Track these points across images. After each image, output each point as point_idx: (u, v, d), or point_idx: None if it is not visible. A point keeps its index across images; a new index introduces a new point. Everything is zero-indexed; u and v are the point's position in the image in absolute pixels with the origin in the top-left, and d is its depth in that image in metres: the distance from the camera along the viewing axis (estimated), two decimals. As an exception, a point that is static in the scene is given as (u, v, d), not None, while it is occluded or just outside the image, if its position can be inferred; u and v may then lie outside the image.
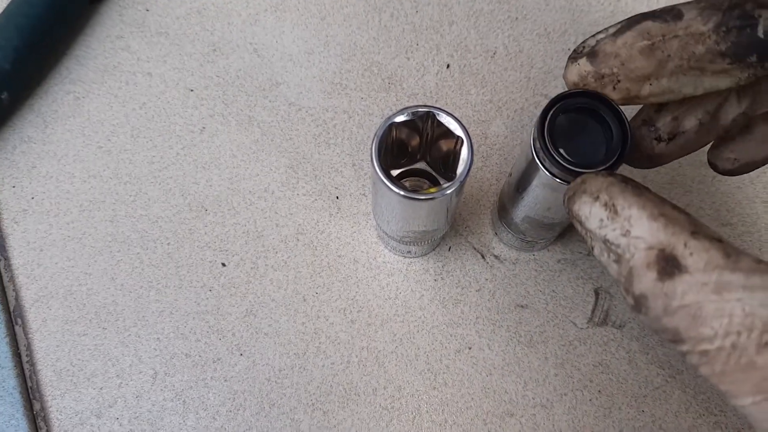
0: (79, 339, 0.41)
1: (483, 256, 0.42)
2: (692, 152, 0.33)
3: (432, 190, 0.32)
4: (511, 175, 0.36)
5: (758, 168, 0.33)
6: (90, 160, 0.44)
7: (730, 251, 0.23)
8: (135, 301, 0.42)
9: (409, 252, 0.41)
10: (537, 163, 0.31)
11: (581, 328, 0.41)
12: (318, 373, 0.40)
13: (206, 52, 0.46)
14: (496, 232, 0.42)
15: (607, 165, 0.29)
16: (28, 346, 0.41)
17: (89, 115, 0.45)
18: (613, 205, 0.26)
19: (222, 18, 0.46)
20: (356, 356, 0.41)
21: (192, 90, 0.45)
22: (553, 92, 0.44)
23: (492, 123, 0.44)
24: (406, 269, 0.42)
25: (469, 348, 0.41)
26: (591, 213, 0.26)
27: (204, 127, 0.44)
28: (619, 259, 0.25)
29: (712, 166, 0.34)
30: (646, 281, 0.23)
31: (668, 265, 0.23)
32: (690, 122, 0.31)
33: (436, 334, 0.41)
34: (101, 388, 0.40)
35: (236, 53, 0.46)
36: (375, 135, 0.32)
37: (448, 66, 0.45)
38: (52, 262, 0.42)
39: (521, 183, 0.34)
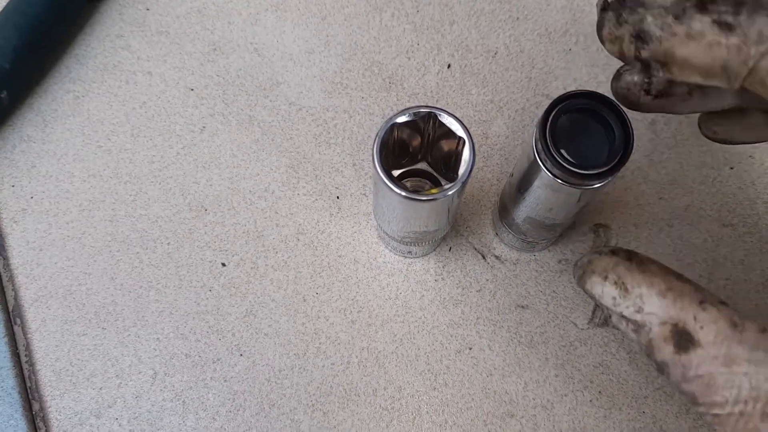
0: (79, 339, 0.41)
1: (484, 257, 0.42)
2: (674, 114, 0.33)
3: (433, 191, 0.32)
4: (512, 175, 0.36)
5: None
6: (90, 160, 0.44)
7: (736, 320, 0.26)
8: (134, 301, 0.42)
9: (409, 252, 0.41)
10: (539, 164, 0.31)
11: (582, 329, 0.41)
12: (318, 374, 0.40)
13: (207, 51, 0.46)
14: (497, 232, 0.42)
15: (610, 166, 0.29)
16: (27, 346, 0.41)
17: (89, 114, 0.44)
18: (623, 283, 0.28)
19: (222, 17, 0.46)
20: (356, 357, 0.41)
21: (192, 89, 0.45)
22: (555, 92, 0.44)
23: (493, 123, 0.44)
24: (407, 269, 0.42)
25: (470, 348, 0.41)
26: (604, 292, 0.29)
27: (204, 127, 0.44)
28: (638, 331, 0.28)
29: (698, 124, 0.35)
30: (666, 353, 0.27)
31: (682, 339, 0.26)
32: (681, 89, 0.31)
33: (437, 334, 0.41)
34: (101, 389, 0.40)
35: (237, 53, 0.46)
36: (377, 136, 0.32)
37: (449, 66, 0.45)
38: (51, 261, 0.42)
39: (523, 183, 0.34)
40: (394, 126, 0.32)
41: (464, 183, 0.31)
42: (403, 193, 0.31)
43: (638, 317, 0.28)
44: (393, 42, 0.46)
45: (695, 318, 0.26)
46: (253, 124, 0.44)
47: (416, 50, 0.45)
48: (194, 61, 0.45)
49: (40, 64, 0.45)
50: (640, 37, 0.27)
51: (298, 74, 0.45)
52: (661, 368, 0.27)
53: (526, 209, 0.36)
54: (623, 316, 0.28)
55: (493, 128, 0.44)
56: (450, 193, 0.31)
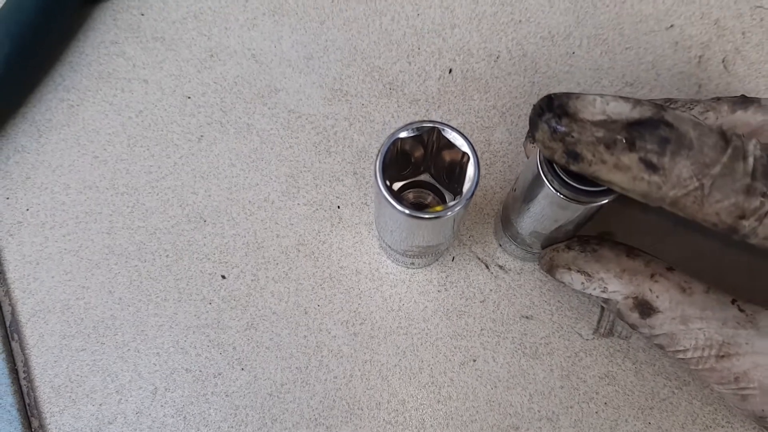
0: (77, 354, 0.40)
1: (487, 266, 0.41)
2: None
3: (438, 208, 0.31)
4: (515, 190, 0.36)
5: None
6: (86, 171, 0.43)
7: (684, 285, 0.34)
8: (133, 314, 0.41)
9: (412, 263, 0.40)
10: (545, 182, 0.30)
11: (587, 339, 0.40)
12: (320, 388, 0.40)
13: (203, 57, 0.45)
14: (500, 243, 0.41)
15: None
16: (26, 362, 0.40)
17: (84, 123, 0.44)
18: (585, 272, 0.35)
19: (219, 22, 0.45)
20: (359, 370, 0.40)
21: (189, 97, 0.44)
22: (558, 97, 0.43)
23: (495, 129, 0.43)
24: (409, 280, 0.41)
25: (474, 360, 0.40)
26: (573, 279, 0.36)
27: (202, 136, 0.43)
28: (607, 303, 0.35)
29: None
30: (633, 318, 0.34)
31: (644, 308, 0.34)
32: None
33: (440, 346, 0.40)
34: (100, 405, 0.40)
35: (234, 59, 0.45)
36: (379, 152, 0.31)
37: (450, 71, 0.44)
38: (48, 275, 0.41)
39: (527, 198, 0.34)
40: (397, 140, 0.31)
41: (469, 200, 0.30)
42: (407, 211, 0.30)
43: (605, 295, 0.35)
44: (393, 46, 0.45)
45: (650, 290, 0.34)
46: (252, 133, 0.43)
47: (417, 55, 0.45)
48: (191, 68, 0.44)
49: (34, 72, 0.44)
50: (573, 156, 0.28)
51: (296, 81, 0.44)
52: (633, 328, 0.35)
53: (532, 224, 0.35)
54: (593, 295, 0.35)
55: (496, 134, 0.43)
56: (454, 211, 0.30)
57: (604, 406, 0.39)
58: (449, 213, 0.30)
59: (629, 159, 0.28)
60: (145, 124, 0.44)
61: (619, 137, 0.28)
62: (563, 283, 0.36)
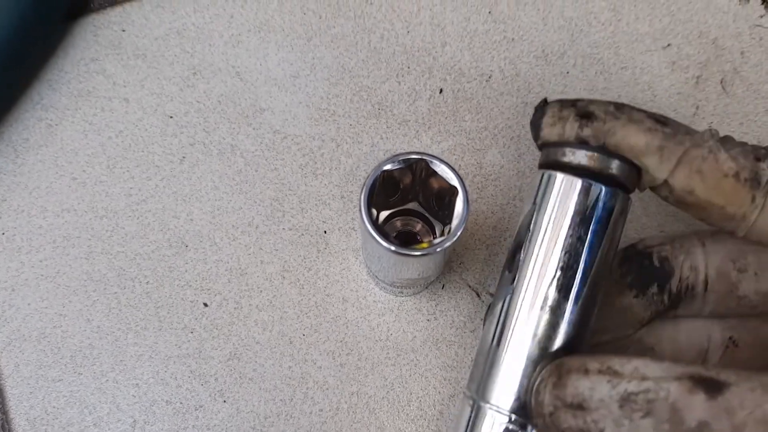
0: (54, 385, 0.39)
1: (478, 294, 0.40)
2: None
3: (424, 245, 0.30)
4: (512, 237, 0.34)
5: None
6: (64, 193, 0.41)
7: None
8: (112, 344, 0.40)
9: (401, 292, 0.39)
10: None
11: (581, 370, 0.39)
12: (305, 421, 0.39)
13: (186, 75, 0.43)
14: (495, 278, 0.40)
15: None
16: (1, 393, 0.39)
17: (62, 144, 0.42)
18: (608, 367, 0.25)
19: (203, 39, 0.44)
20: (346, 402, 0.39)
21: (171, 117, 0.43)
22: (552, 119, 0.42)
23: (487, 152, 0.42)
24: (398, 309, 0.40)
25: (464, 393, 0.39)
26: (594, 385, 0.25)
27: (184, 157, 0.42)
28: (651, 407, 0.24)
29: None
30: (699, 406, 0.23)
31: (708, 384, 0.23)
32: None
33: (429, 377, 0.39)
34: (77, 438, 0.38)
35: (218, 77, 0.43)
36: (364, 185, 0.30)
37: (441, 91, 0.43)
38: (24, 302, 0.40)
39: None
40: (383, 172, 0.30)
41: (458, 238, 0.29)
42: (393, 248, 0.29)
43: (646, 385, 0.24)
44: (382, 65, 0.43)
45: (705, 366, 0.25)
46: (236, 154, 0.42)
47: (407, 74, 0.43)
48: (173, 87, 0.43)
49: (10, 90, 0.42)
50: (586, 116, 0.30)
51: (282, 100, 0.43)
52: (701, 429, 0.24)
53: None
54: (627, 398, 0.25)
55: (488, 157, 0.42)
56: (442, 247, 0.29)
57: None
58: (437, 249, 0.29)
59: (640, 115, 0.30)
60: (126, 145, 0.42)
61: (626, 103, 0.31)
62: (580, 401, 0.26)
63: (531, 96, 0.43)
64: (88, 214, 0.41)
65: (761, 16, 0.43)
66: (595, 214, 0.29)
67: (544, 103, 0.32)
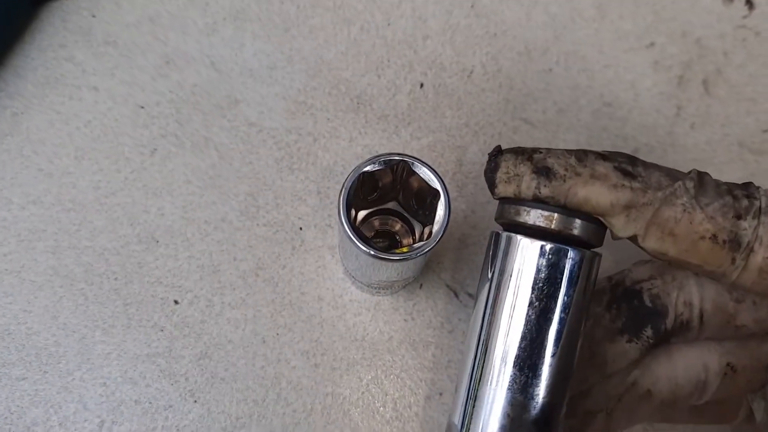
0: (18, 384, 0.38)
1: (456, 295, 0.40)
2: None
3: (404, 249, 0.29)
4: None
5: None
6: (29, 185, 0.40)
7: None
8: (79, 342, 0.38)
9: (378, 292, 0.38)
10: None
11: (558, 372, 0.39)
12: (278, 422, 0.38)
13: (159, 64, 0.42)
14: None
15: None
16: (-39, 392, 0.38)
17: (28, 133, 0.41)
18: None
19: (176, 27, 0.42)
20: (320, 403, 0.38)
21: (143, 107, 0.41)
22: (533, 116, 0.41)
23: (468, 149, 0.41)
24: (375, 308, 0.39)
25: (440, 394, 0.38)
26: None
27: (155, 149, 0.41)
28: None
29: None
30: None
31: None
32: None
33: (405, 379, 0.39)
34: (41, 439, 0.37)
35: (192, 66, 0.42)
36: (342, 187, 0.29)
37: (421, 85, 0.42)
38: (-14, 298, 0.39)
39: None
40: (362, 174, 0.29)
41: (438, 242, 0.28)
42: (372, 252, 0.28)
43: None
44: (362, 58, 0.42)
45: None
46: (209, 147, 0.41)
47: (387, 67, 0.42)
48: (145, 76, 0.42)
49: (-26, 76, 0.41)
50: (544, 173, 0.27)
51: (258, 92, 0.42)
52: None
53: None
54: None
55: (468, 154, 0.41)
56: (422, 252, 0.28)
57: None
58: (418, 254, 0.28)
59: (604, 167, 0.27)
60: (95, 135, 0.41)
61: (588, 151, 0.28)
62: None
63: (513, 93, 0.42)
64: (54, 206, 0.40)
65: (744, 17, 0.43)
66: (561, 278, 0.27)
67: (498, 151, 0.29)
